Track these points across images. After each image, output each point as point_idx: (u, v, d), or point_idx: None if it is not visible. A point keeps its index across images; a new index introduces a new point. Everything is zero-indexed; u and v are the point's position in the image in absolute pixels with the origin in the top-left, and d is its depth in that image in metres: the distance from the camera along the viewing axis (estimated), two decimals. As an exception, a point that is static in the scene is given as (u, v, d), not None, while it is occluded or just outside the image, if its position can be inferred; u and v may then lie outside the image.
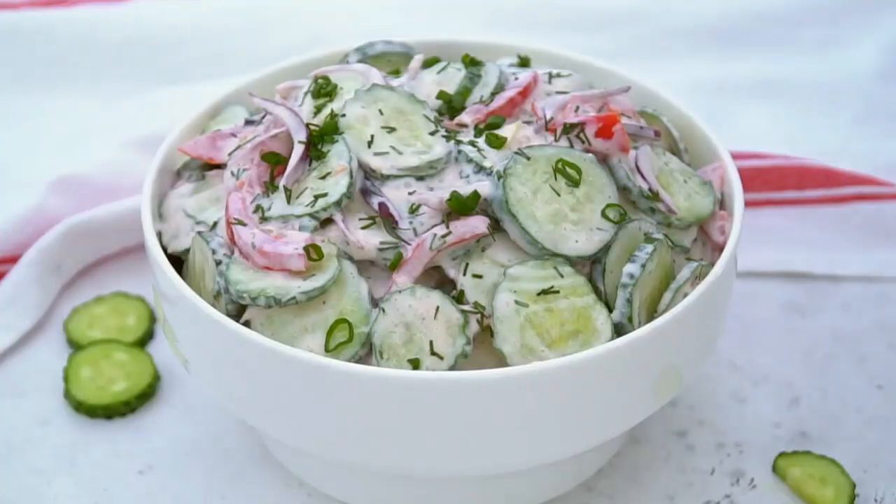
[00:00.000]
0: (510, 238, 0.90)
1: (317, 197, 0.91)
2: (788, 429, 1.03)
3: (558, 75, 0.99)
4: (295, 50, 1.30)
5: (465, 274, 0.89)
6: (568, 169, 0.91)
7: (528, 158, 0.90)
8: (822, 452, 1.00)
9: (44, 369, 1.07)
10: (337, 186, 0.91)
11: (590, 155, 0.92)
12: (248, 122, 0.99)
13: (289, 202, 0.91)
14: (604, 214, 0.90)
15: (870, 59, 1.35)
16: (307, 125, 0.93)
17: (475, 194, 0.90)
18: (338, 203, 0.90)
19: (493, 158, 0.92)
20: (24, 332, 1.09)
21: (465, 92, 0.97)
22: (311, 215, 0.90)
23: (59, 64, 1.34)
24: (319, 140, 0.93)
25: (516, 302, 0.87)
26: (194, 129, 1.02)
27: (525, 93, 0.96)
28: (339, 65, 1.01)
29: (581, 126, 0.93)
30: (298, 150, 0.93)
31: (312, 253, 0.88)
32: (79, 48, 1.35)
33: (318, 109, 0.96)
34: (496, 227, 0.90)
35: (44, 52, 1.35)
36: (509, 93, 0.96)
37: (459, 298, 0.88)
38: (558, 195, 0.90)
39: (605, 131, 0.93)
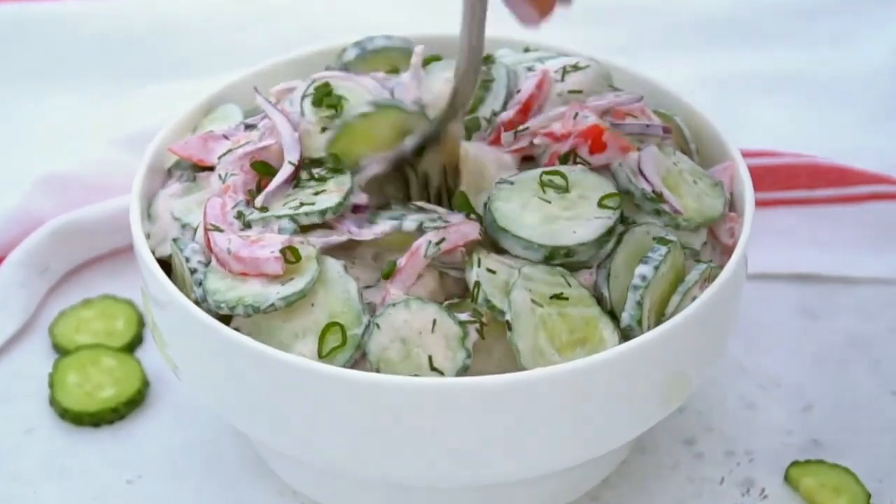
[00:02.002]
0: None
1: (303, 203, 0.91)
2: (800, 436, 1.02)
3: (575, 67, 0.99)
4: (290, 45, 1.29)
5: (479, 266, 0.88)
6: (553, 178, 0.92)
7: (512, 183, 0.92)
8: (835, 461, 1.00)
9: (29, 375, 1.06)
10: (327, 200, 0.91)
11: (578, 166, 0.93)
12: (248, 127, 0.98)
13: (246, 222, 0.91)
14: (601, 204, 0.90)
15: (884, 53, 1.34)
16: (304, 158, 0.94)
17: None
18: (322, 213, 0.90)
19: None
20: (8, 336, 1.08)
21: (478, 103, 0.98)
22: (291, 217, 0.90)
23: (47, 59, 1.34)
24: (318, 165, 0.94)
25: (532, 301, 0.87)
26: (185, 127, 1.01)
27: (527, 108, 0.97)
28: (343, 71, 1.00)
29: (573, 152, 0.94)
30: (286, 170, 0.93)
31: (290, 255, 0.88)
32: (66, 43, 1.34)
33: (323, 126, 0.96)
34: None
35: (30, 47, 1.35)
36: (509, 113, 0.97)
37: (474, 293, 0.87)
38: (549, 203, 0.91)
39: (596, 145, 0.93)
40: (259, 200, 0.92)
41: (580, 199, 0.91)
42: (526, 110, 0.97)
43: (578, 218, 0.90)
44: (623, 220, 0.92)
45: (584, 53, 1.04)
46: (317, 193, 0.92)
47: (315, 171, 0.94)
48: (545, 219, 0.90)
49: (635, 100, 0.98)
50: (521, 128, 0.96)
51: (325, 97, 0.97)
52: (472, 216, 0.91)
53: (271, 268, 0.88)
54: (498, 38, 1.05)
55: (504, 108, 0.97)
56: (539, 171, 0.93)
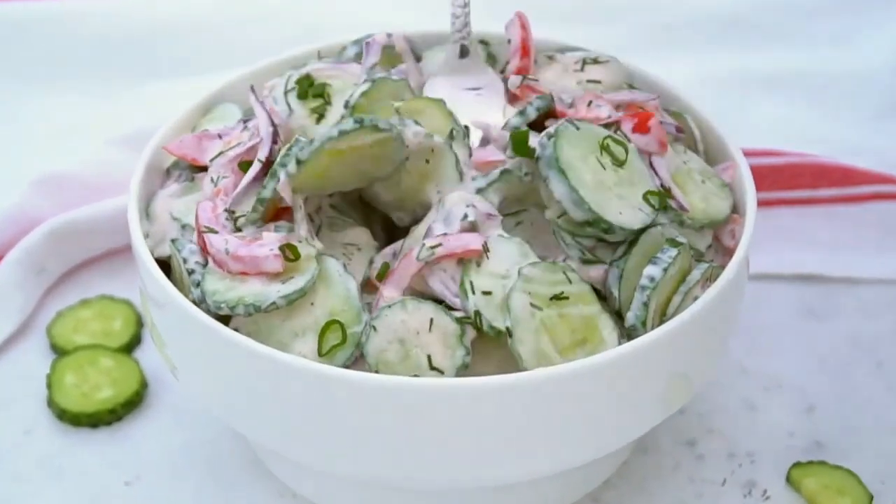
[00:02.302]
0: (505, 249, 0.89)
1: None
2: (803, 438, 1.02)
3: (595, 61, 0.99)
4: (290, 44, 1.29)
5: (474, 293, 0.88)
6: (613, 146, 0.91)
7: (578, 128, 0.91)
8: (838, 462, 1.00)
9: (26, 376, 1.06)
10: None
11: (632, 145, 0.93)
12: (246, 125, 0.98)
13: (235, 225, 0.91)
14: (645, 198, 0.90)
15: (885, 52, 1.34)
16: (274, 142, 0.94)
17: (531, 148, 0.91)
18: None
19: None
20: (5, 337, 1.08)
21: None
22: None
23: (44, 59, 1.34)
24: None
25: (531, 304, 0.87)
26: (184, 127, 1.01)
27: (525, 50, 0.98)
28: (332, 62, 1.00)
29: (617, 124, 0.94)
30: (254, 169, 0.93)
31: (288, 253, 0.88)
32: (63, 42, 1.34)
33: (318, 114, 0.96)
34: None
35: (27, 46, 1.34)
36: (513, 61, 0.98)
37: (476, 322, 0.87)
38: (604, 169, 0.91)
39: (641, 127, 0.93)
40: (227, 203, 0.92)
41: (629, 181, 0.91)
42: (525, 52, 0.98)
43: (626, 199, 0.90)
44: None
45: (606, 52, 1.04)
46: None
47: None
48: (598, 184, 0.90)
49: (651, 98, 0.98)
50: (530, 77, 0.96)
51: (309, 88, 0.97)
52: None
53: (271, 265, 0.88)
54: (501, 35, 1.05)
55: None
56: (604, 132, 0.92)
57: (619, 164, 0.91)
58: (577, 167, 0.89)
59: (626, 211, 0.90)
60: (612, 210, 0.89)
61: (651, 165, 0.94)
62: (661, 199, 0.91)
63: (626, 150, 0.92)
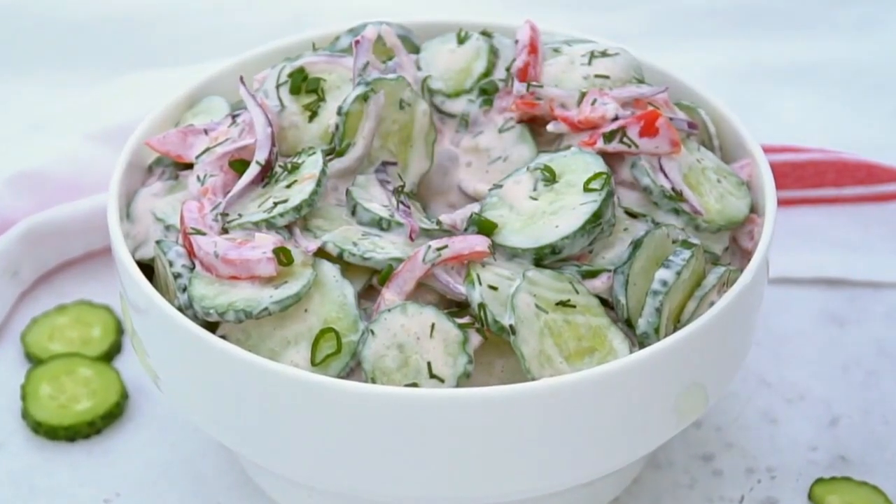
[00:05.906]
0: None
1: (276, 203, 0.91)
2: (826, 452, 1.02)
3: (603, 54, 0.99)
4: (281, 31, 1.30)
5: (480, 284, 0.88)
6: (540, 173, 0.93)
7: (501, 186, 0.93)
8: (863, 478, 1.00)
9: (-1, 386, 1.07)
10: (300, 193, 0.91)
11: (572, 148, 0.93)
12: (234, 120, 0.99)
13: (224, 227, 0.91)
14: (586, 188, 0.91)
15: (915, 41, 1.35)
16: (273, 145, 0.94)
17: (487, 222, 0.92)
18: (297, 209, 0.91)
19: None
20: (-23, 345, 1.09)
21: (490, 68, 1.00)
22: (267, 221, 0.90)
23: (15, 46, 1.34)
24: (297, 155, 0.94)
25: (536, 306, 0.87)
26: (167, 121, 1.01)
27: (534, 49, 0.98)
28: (326, 54, 1.00)
29: (622, 130, 0.94)
30: (252, 171, 0.93)
31: (282, 257, 0.88)
32: (38, 29, 1.35)
33: (312, 111, 0.96)
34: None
35: (-1, 33, 1.35)
36: (521, 57, 0.98)
37: (481, 315, 0.88)
38: (536, 200, 0.91)
39: (648, 129, 0.93)
40: (221, 206, 0.92)
41: (566, 188, 0.92)
42: (533, 50, 0.98)
43: (562, 210, 0.91)
44: (633, 215, 0.93)
45: (614, 43, 1.05)
46: (290, 186, 0.92)
47: (288, 160, 0.94)
48: (530, 217, 0.91)
49: (659, 91, 0.98)
50: (534, 83, 0.97)
51: (303, 83, 0.97)
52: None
53: (264, 269, 0.88)
54: (503, 27, 1.06)
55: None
56: (534, 163, 0.93)
57: (551, 181, 0.92)
58: (504, 224, 0.91)
59: (561, 221, 0.90)
60: (547, 231, 0.90)
61: (661, 168, 0.94)
62: (604, 178, 0.91)
63: (552, 170, 0.92)
